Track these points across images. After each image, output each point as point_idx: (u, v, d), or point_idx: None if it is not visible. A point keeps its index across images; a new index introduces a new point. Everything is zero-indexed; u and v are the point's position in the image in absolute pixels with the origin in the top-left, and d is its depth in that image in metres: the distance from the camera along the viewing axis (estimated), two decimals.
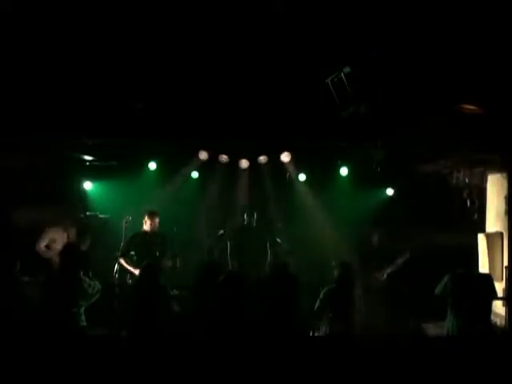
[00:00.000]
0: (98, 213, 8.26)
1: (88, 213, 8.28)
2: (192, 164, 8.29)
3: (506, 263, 6.86)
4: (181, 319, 6.19)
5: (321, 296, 5.86)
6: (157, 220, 7.33)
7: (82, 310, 5.39)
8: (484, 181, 7.59)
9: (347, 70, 5.42)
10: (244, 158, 8.20)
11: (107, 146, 7.31)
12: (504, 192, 7.00)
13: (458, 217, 7.80)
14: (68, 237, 7.50)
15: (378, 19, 5.17)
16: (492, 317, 5.87)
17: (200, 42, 5.50)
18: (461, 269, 5.76)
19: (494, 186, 7.39)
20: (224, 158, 8.16)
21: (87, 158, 8.10)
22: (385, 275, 7.36)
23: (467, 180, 7.76)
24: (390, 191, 8.60)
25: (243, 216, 7.84)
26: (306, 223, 8.55)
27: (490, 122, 5.81)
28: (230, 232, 7.93)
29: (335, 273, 5.97)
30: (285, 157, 8.00)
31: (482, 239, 7.28)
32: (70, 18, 5.27)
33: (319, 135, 6.49)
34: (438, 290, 5.79)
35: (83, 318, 5.39)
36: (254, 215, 7.77)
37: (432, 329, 6.41)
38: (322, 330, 5.81)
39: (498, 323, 6.41)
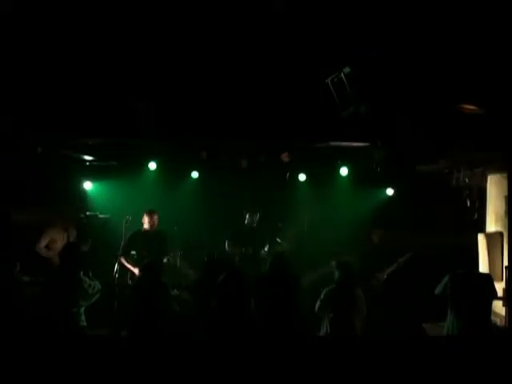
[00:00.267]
0: (97, 213, 8.26)
1: (88, 213, 8.28)
2: (192, 164, 8.29)
3: (506, 263, 6.85)
4: (181, 319, 6.20)
5: (321, 296, 5.86)
6: (156, 218, 7.35)
7: (82, 310, 5.39)
8: (484, 181, 7.59)
9: (347, 70, 5.42)
10: (244, 158, 8.20)
11: (107, 146, 7.31)
12: (504, 192, 7.00)
13: (458, 217, 7.80)
14: (68, 237, 7.50)
15: (378, 19, 5.17)
16: (492, 317, 5.86)
17: (200, 42, 5.50)
18: (461, 269, 5.76)
19: (494, 186, 7.38)
20: (224, 158, 8.16)
21: (87, 157, 8.10)
22: (385, 275, 7.37)
23: (467, 180, 7.76)
24: (390, 191, 8.60)
25: (245, 216, 7.84)
26: (306, 223, 8.55)
27: (489, 121, 5.81)
28: (230, 232, 7.93)
29: (335, 273, 5.97)
30: (285, 157, 7.99)
31: (482, 239, 7.28)
32: (70, 18, 5.27)
33: (319, 135, 6.49)
34: (437, 290, 5.79)
35: (83, 317, 5.40)
36: (256, 216, 7.78)
37: (432, 329, 6.41)
38: (323, 330, 5.81)
39: (498, 323, 6.41)
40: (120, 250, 7.27)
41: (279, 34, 5.35)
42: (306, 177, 8.46)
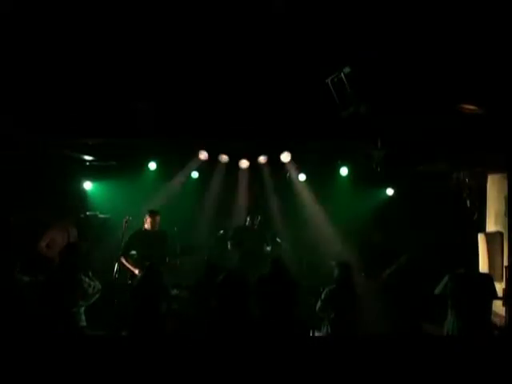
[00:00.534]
0: (97, 213, 8.27)
1: (88, 213, 8.29)
2: (192, 164, 8.30)
3: (505, 263, 6.86)
4: (181, 319, 6.20)
5: (322, 296, 5.87)
6: (158, 219, 7.33)
7: (82, 310, 5.39)
8: (484, 181, 7.59)
9: (347, 70, 5.42)
10: (244, 158, 8.20)
11: (107, 145, 7.31)
12: (504, 192, 7.00)
13: (458, 217, 7.80)
14: (68, 237, 7.50)
15: (378, 19, 5.17)
16: (492, 317, 5.86)
17: (200, 42, 5.50)
18: (461, 269, 5.76)
19: (494, 186, 7.39)
20: (224, 158, 8.16)
21: (87, 157, 8.10)
22: (385, 275, 7.36)
23: (467, 180, 7.76)
24: (390, 191, 8.60)
25: (246, 217, 7.83)
26: (306, 223, 8.55)
27: (490, 121, 5.80)
28: (230, 232, 7.93)
29: (335, 273, 5.97)
30: (285, 157, 7.99)
31: (481, 239, 7.28)
32: (70, 18, 5.27)
33: (319, 135, 6.49)
34: (437, 290, 5.79)
35: (83, 317, 5.40)
36: (257, 219, 7.76)
37: (432, 329, 6.41)
38: (324, 331, 5.81)
39: (498, 323, 6.41)
40: (120, 250, 7.26)
41: (279, 34, 5.35)
42: (306, 177, 8.45)
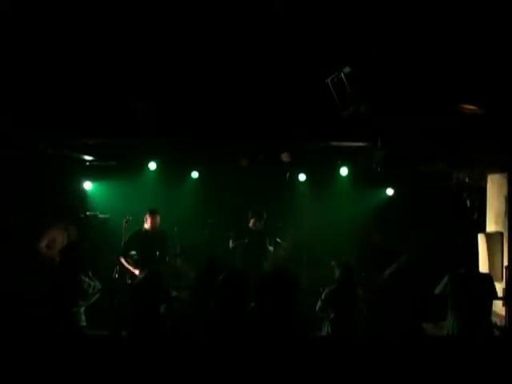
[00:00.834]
0: (97, 213, 8.27)
1: (88, 213, 8.29)
2: (192, 164, 8.30)
3: (506, 263, 6.85)
4: (181, 319, 6.20)
5: (322, 297, 5.86)
6: (158, 218, 7.33)
7: (82, 310, 5.39)
8: (484, 181, 7.59)
9: (347, 69, 5.42)
10: (244, 157, 8.19)
11: (107, 145, 7.31)
12: (504, 192, 7.00)
13: (458, 217, 7.80)
14: (68, 237, 7.50)
15: (378, 19, 5.17)
16: (492, 317, 5.86)
17: (200, 42, 5.50)
18: (461, 269, 5.76)
19: (494, 186, 7.38)
20: (224, 157, 8.16)
21: (87, 157, 8.10)
22: (385, 275, 7.36)
23: (467, 180, 7.76)
24: (390, 191, 8.60)
25: (248, 217, 7.79)
26: (306, 223, 8.55)
27: (489, 121, 5.80)
28: (232, 232, 7.92)
29: (336, 273, 5.97)
30: (285, 157, 7.99)
31: (481, 239, 7.28)
32: (70, 18, 5.27)
33: (319, 135, 6.49)
34: (437, 290, 5.79)
35: (83, 317, 5.40)
36: (261, 223, 7.73)
37: (432, 329, 6.41)
38: (324, 331, 5.81)
39: (498, 323, 6.41)
40: (120, 250, 7.26)
41: (279, 34, 5.35)
42: (306, 177, 8.45)
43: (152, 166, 8.20)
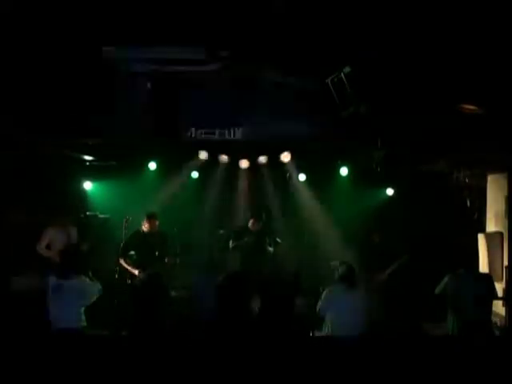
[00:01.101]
0: (97, 213, 8.27)
1: (88, 213, 8.29)
2: (192, 164, 8.30)
3: (506, 263, 6.86)
4: (180, 319, 6.20)
5: (322, 296, 5.85)
6: (156, 222, 7.32)
7: (82, 310, 5.39)
8: (484, 181, 7.60)
9: (347, 69, 5.42)
10: (244, 158, 8.20)
11: (107, 146, 7.31)
12: (504, 192, 7.01)
13: (458, 217, 7.80)
14: (68, 237, 7.50)
15: (378, 19, 5.17)
16: (492, 317, 5.87)
17: (200, 41, 5.50)
18: (461, 269, 5.76)
19: (494, 186, 7.39)
20: (224, 158, 8.16)
21: (87, 157, 8.10)
22: (385, 275, 7.36)
23: (467, 180, 7.77)
24: (390, 191, 8.60)
25: (248, 217, 7.78)
26: (306, 223, 8.55)
27: (490, 121, 5.81)
28: (231, 232, 7.92)
29: (336, 272, 5.96)
30: (285, 157, 8.00)
31: (481, 239, 7.29)
32: (70, 18, 5.27)
33: (319, 135, 6.49)
34: (438, 290, 5.79)
35: (83, 318, 5.39)
36: (259, 224, 7.72)
37: (432, 329, 6.41)
38: (325, 331, 5.80)
39: (498, 323, 6.41)
40: (120, 251, 7.26)
41: (279, 33, 5.35)
42: (306, 177, 8.45)
43: (152, 166, 8.20)
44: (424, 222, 7.97)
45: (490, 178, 7.50)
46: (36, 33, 5.39)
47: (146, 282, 5.79)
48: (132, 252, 7.25)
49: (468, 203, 7.75)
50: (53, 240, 7.39)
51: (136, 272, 6.97)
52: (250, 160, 8.21)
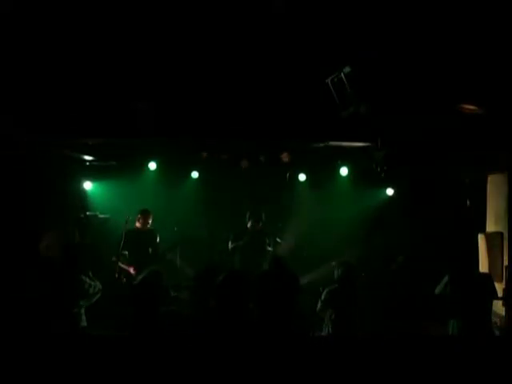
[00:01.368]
0: (97, 213, 8.27)
1: (88, 213, 8.29)
2: (192, 164, 8.30)
3: (506, 263, 6.86)
4: (180, 319, 6.19)
5: (322, 297, 5.85)
6: (149, 218, 7.39)
7: (83, 310, 5.39)
8: (484, 181, 7.59)
9: (347, 69, 5.42)
10: (244, 157, 8.20)
11: (107, 145, 7.31)
12: (504, 192, 7.01)
13: (458, 217, 7.80)
14: (68, 237, 7.50)
15: (378, 19, 5.17)
16: (492, 317, 5.87)
17: (200, 42, 5.50)
18: (461, 269, 5.76)
19: (494, 186, 7.39)
20: (224, 157, 8.16)
21: (87, 157, 8.10)
22: (385, 275, 7.37)
23: (467, 180, 7.76)
24: (390, 191, 8.60)
25: (248, 218, 7.78)
26: (306, 223, 8.55)
27: (489, 121, 5.81)
28: (231, 233, 7.91)
29: (336, 273, 5.96)
30: (285, 157, 8.00)
31: (481, 239, 7.28)
32: (70, 18, 5.27)
33: (319, 135, 6.49)
34: (437, 290, 5.79)
35: (84, 318, 5.40)
36: (259, 224, 7.71)
37: (432, 329, 6.41)
38: (325, 331, 5.80)
39: (498, 323, 6.41)
40: (117, 252, 7.27)
41: (279, 33, 5.35)
42: (306, 177, 8.45)
43: (152, 166, 8.21)
44: (424, 222, 7.97)
45: (490, 178, 7.49)
46: (36, 33, 5.39)
47: (146, 279, 5.79)
48: (125, 252, 7.28)
49: (468, 203, 7.74)
50: (53, 240, 7.39)
51: (131, 270, 7.01)
52: (249, 160, 8.21)
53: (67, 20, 5.30)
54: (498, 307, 6.49)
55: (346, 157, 8.08)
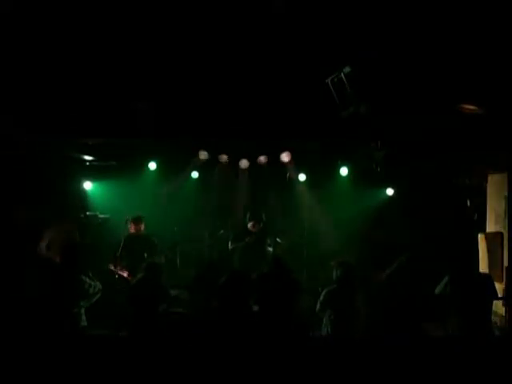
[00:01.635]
0: (97, 213, 8.27)
1: (88, 213, 8.29)
2: (192, 164, 8.30)
3: (506, 263, 6.86)
4: (180, 319, 6.20)
5: (321, 298, 5.85)
6: (141, 225, 7.38)
7: (83, 310, 5.39)
8: (484, 181, 7.59)
9: (347, 69, 5.42)
10: (244, 158, 8.20)
11: (107, 146, 7.32)
12: (504, 192, 7.01)
13: (458, 217, 7.80)
14: (68, 237, 7.49)
15: (378, 19, 5.17)
16: (492, 317, 5.87)
17: (201, 42, 5.50)
18: (461, 269, 5.76)
19: (494, 186, 7.39)
20: (224, 158, 8.17)
21: (87, 157, 8.10)
22: (385, 275, 7.36)
23: (467, 180, 7.77)
24: (390, 191, 8.60)
25: (247, 218, 7.77)
26: (306, 223, 8.55)
27: (490, 121, 5.81)
28: (231, 233, 7.91)
29: (336, 273, 5.96)
30: (285, 157, 8.00)
31: (481, 239, 7.28)
32: (70, 18, 5.27)
33: (319, 135, 6.49)
34: (437, 290, 5.79)
35: (84, 318, 5.39)
36: (261, 220, 7.70)
37: (432, 329, 6.41)
38: (324, 331, 5.80)
39: (498, 323, 6.41)
40: (118, 252, 7.26)
41: (279, 33, 5.35)
42: (306, 177, 8.45)
43: (152, 166, 8.20)
44: (424, 222, 7.97)
45: (490, 178, 7.49)
46: (36, 33, 5.39)
47: (145, 273, 5.80)
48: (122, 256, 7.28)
49: (468, 203, 7.74)
50: (53, 240, 7.39)
51: (125, 274, 7.00)
52: (249, 160, 8.21)
53: (67, 20, 5.30)
54: (498, 307, 6.49)
55: (345, 157, 8.08)
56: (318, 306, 5.87)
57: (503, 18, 5.05)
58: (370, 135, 6.33)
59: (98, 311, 5.73)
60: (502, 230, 7.05)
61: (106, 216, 8.24)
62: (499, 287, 6.28)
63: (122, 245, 7.27)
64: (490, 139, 6.02)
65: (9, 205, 7.57)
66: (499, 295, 6.08)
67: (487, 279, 5.83)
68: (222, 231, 8.17)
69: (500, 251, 7.04)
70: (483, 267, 7.00)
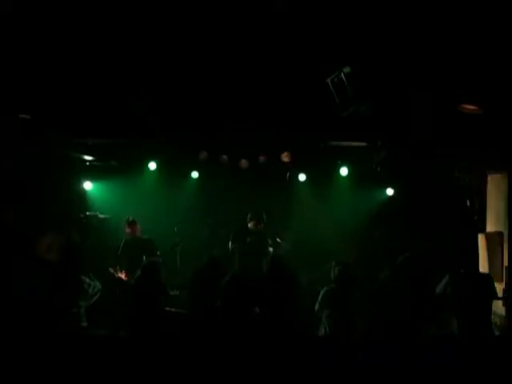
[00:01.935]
0: (97, 213, 8.27)
1: (88, 213, 8.29)
2: (192, 164, 8.30)
3: (506, 263, 6.86)
4: (180, 319, 6.20)
5: (319, 297, 5.85)
6: (137, 228, 7.38)
7: (83, 310, 5.40)
8: (484, 181, 7.59)
9: (347, 69, 5.41)
10: (244, 158, 8.20)
11: (107, 146, 7.32)
12: (504, 192, 7.01)
13: (458, 217, 7.80)
14: (68, 237, 7.49)
15: (379, 19, 5.17)
16: (492, 317, 5.87)
17: (201, 42, 5.50)
18: (461, 269, 5.76)
19: (494, 186, 7.39)
20: (224, 158, 8.17)
21: (87, 157, 8.10)
22: (385, 275, 7.36)
23: (467, 180, 7.76)
24: (390, 191, 8.60)
25: (248, 218, 7.76)
26: (306, 223, 8.55)
27: (489, 121, 5.81)
28: (231, 233, 7.90)
29: (335, 272, 5.96)
30: (285, 157, 8.00)
31: (481, 239, 7.28)
32: (70, 18, 5.27)
33: (319, 135, 6.50)
34: (438, 290, 5.79)
35: (84, 318, 5.40)
36: (261, 225, 7.68)
37: (432, 329, 6.41)
38: (322, 331, 5.80)
39: (498, 323, 6.41)
40: (118, 252, 7.25)
41: (280, 33, 5.35)
42: (306, 177, 8.45)
43: (152, 165, 8.20)
44: (424, 222, 7.97)
45: (490, 178, 7.49)
46: (36, 33, 5.39)
47: (144, 272, 5.80)
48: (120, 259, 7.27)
49: (468, 203, 7.74)
50: (53, 241, 7.38)
51: (123, 276, 6.98)
52: (249, 160, 8.21)
53: (67, 20, 5.30)
54: (498, 307, 6.49)
55: (346, 157, 8.08)
56: (316, 305, 5.87)
57: (503, 18, 5.05)
58: (370, 135, 6.33)
59: (98, 311, 5.73)
60: (502, 230, 7.06)
61: (106, 216, 8.24)
62: (499, 287, 6.28)
63: (120, 249, 7.27)
64: (490, 139, 6.02)
65: (9, 205, 7.56)
66: (499, 295, 6.09)
67: (487, 279, 5.83)
68: (221, 231, 8.17)
69: (500, 251, 7.04)
70: (483, 267, 7.00)
